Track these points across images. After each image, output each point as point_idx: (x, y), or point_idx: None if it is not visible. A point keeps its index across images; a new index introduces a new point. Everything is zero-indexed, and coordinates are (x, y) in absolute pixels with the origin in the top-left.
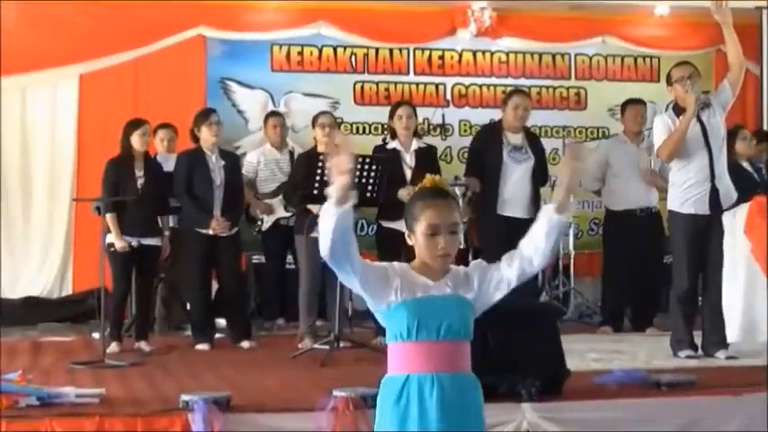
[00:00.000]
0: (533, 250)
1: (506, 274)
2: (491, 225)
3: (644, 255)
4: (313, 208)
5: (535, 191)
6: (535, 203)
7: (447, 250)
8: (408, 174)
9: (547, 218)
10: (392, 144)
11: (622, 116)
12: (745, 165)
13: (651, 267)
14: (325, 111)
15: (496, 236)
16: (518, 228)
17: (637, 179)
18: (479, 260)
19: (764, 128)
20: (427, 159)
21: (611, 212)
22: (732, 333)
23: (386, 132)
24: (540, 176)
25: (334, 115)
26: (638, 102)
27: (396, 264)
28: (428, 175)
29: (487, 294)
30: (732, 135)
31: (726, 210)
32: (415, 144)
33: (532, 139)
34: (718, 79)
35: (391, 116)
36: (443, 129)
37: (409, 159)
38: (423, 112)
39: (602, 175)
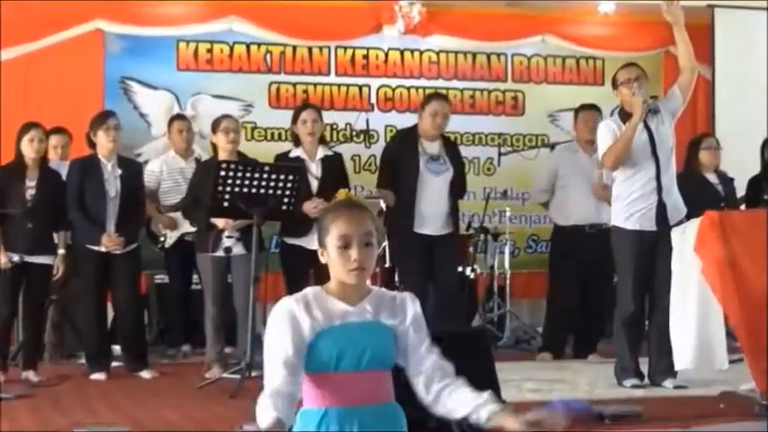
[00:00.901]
0: (439, 405)
1: (421, 378)
2: (406, 244)
3: (591, 275)
4: (218, 222)
5: (453, 205)
6: (453, 219)
7: (361, 263)
8: (314, 185)
9: (475, 411)
10: (296, 152)
11: (575, 123)
12: (711, 177)
13: (598, 289)
14: (228, 114)
15: (412, 256)
16: (435, 246)
17: (588, 192)
18: (419, 312)
19: (716, 136)
20: (335, 169)
21: (558, 228)
22: (681, 360)
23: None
24: (457, 189)
25: (237, 119)
26: (591, 108)
27: (301, 299)
28: (341, 191)
29: (404, 356)
30: (695, 144)
31: (674, 225)
32: (321, 152)
33: (450, 147)
34: (666, 83)
35: (294, 121)
36: (367, 135)
37: (315, 169)
38: (345, 117)
39: (550, 186)
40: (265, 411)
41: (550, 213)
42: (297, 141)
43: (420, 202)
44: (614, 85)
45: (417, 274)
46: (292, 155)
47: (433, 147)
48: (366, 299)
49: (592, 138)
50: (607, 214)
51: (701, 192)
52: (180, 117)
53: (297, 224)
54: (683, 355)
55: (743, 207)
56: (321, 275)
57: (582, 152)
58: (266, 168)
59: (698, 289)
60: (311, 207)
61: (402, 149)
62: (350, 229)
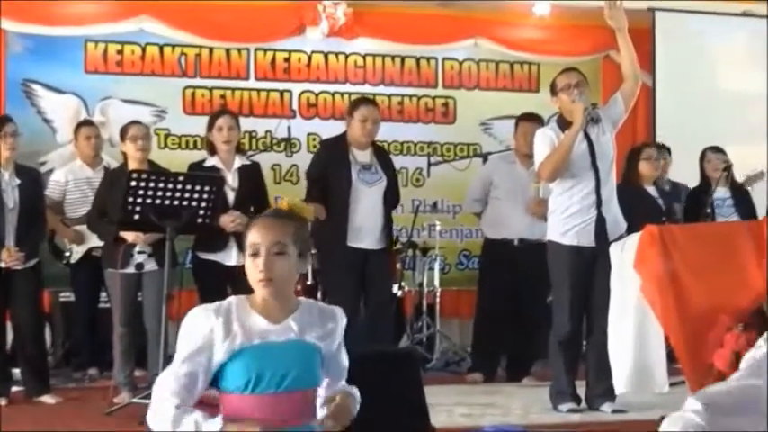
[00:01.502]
0: None
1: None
2: (339, 259)
3: (523, 292)
4: (127, 236)
5: (387, 217)
6: (387, 232)
7: (266, 273)
8: (231, 196)
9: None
10: (211, 161)
11: (515, 133)
12: (650, 189)
13: (531, 307)
14: (137, 121)
15: (345, 271)
16: (368, 261)
17: (521, 206)
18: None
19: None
20: (252, 180)
21: (489, 241)
22: (620, 383)
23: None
24: (391, 199)
25: (147, 126)
26: (533, 118)
27: (222, 312)
28: (284, 199)
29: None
30: (635, 155)
31: (613, 241)
32: (237, 161)
33: (382, 155)
34: (606, 90)
35: (210, 128)
36: (289, 143)
37: (231, 180)
38: (265, 124)
39: (484, 196)
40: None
41: (482, 225)
42: (212, 150)
43: (354, 214)
44: (553, 91)
45: (350, 292)
46: (207, 164)
47: (365, 155)
48: (292, 315)
49: (531, 152)
50: (540, 230)
51: (640, 205)
52: (87, 123)
53: (212, 238)
54: (622, 377)
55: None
56: (239, 293)
57: (519, 164)
58: (180, 178)
59: (637, 308)
60: (228, 220)
61: (331, 160)
62: (259, 238)
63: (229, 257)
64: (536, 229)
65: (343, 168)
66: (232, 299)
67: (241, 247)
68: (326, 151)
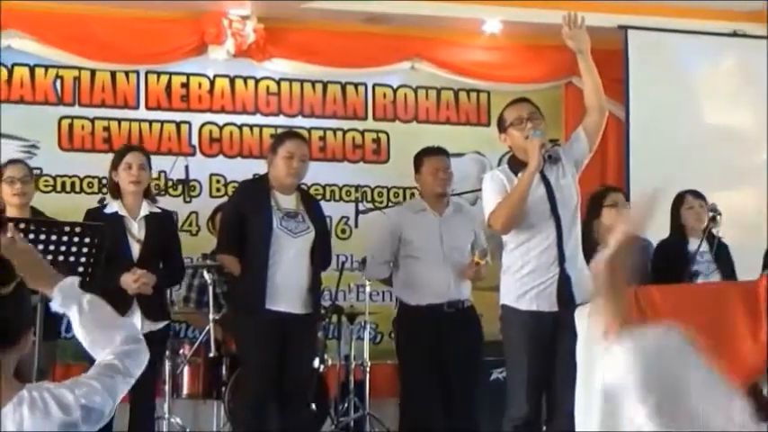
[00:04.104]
0: None
1: None
2: (256, 324)
3: (454, 365)
4: None
5: (315, 276)
6: (313, 295)
7: None
8: (135, 250)
9: None
10: (113, 207)
11: (417, 173)
12: None
13: (463, 382)
14: (16, 159)
15: (261, 340)
16: (288, 330)
17: (441, 262)
18: None
19: (630, 188)
20: (163, 231)
21: (407, 308)
22: None
23: (104, 190)
24: (321, 256)
25: (28, 165)
26: (438, 152)
27: None
28: None
29: None
30: (597, 200)
31: (579, 305)
32: (146, 208)
33: (310, 201)
34: (569, 122)
35: (115, 166)
36: (187, 186)
37: (137, 230)
38: (158, 163)
39: (392, 258)
40: None
41: (395, 290)
42: (115, 193)
43: (274, 269)
44: (501, 126)
45: (264, 364)
46: (108, 211)
47: (289, 201)
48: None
49: (442, 190)
50: (468, 289)
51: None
52: None
53: (111, 301)
54: None
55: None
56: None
57: (430, 211)
58: (57, 228)
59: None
60: (131, 280)
61: (248, 205)
62: None
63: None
64: (463, 288)
65: (262, 214)
66: None
67: (146, 312)
68: (243, 194)
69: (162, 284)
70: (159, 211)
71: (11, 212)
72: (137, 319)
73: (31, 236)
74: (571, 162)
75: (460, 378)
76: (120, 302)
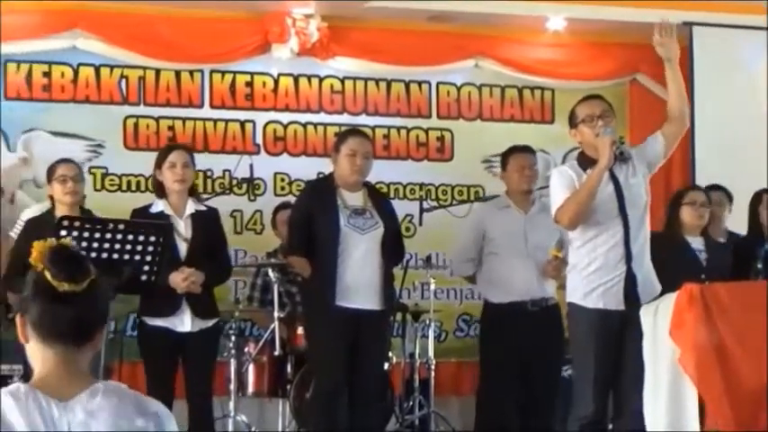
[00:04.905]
0: None
1: None
2: (328, 322)
3: (536, 364)
4: None
5: (386, 271)
6: (386, 291)
7: None
8: (183, 249)
9: None
10: (159, 206)
11: (504, 170)
12: (695, 240)
13: (544, 382)
14: (66, 159)
15: (337, 336)
16: (360, 327)
17: (526, 259)
18: None
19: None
20: (209, 229)
21: (490, 306)
22: None
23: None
24: (392, 250)
25: (78, 165)
26: (524, 150)
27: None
28: None
29: None
30: (677, 199)
31: (644, 303)
32: (191, 207)
33: (378, 197)
34: (634, 120)
35: (159, 165)
36: (251, 185)
37: (183, 228)
38: (223, 162)
39: (476, 254)
40: None
41: (479, 288)
42: (161, 192)
43: (344, 268)
44: (572, 122)
45: (337, 362)
46: (154, 210)
47: (356, 198)
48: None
49: (527, 188)
50: (552, 287)
51: (675, 259)
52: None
53: (161, 300)
54: None
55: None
56: (194, 364)
57: (515, 208)
58: (120, 227)
59: (673, 385)
60: (180, 279)
61: (315, 205)
62: None
63: (182, 323)
64: (547, 286)
65: (329, 213)
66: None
67: (195, 310)
68: (310, 194)
69: (210, 282)
70: (204, 208)
71: (62, 211)
72: (186, 317)
73: (97, 235)
74: (644, 163)
75: (542, 380)
76: (170, 301)
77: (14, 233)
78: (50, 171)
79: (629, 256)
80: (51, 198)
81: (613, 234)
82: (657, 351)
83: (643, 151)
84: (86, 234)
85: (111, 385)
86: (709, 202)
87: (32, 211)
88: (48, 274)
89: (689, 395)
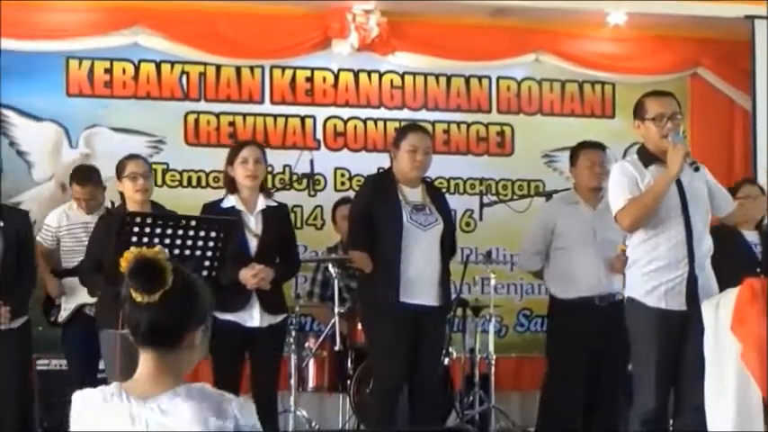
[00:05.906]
0: None
1: None
2: (391, 318)
3: (602, 361)
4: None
5: (445, 267)
6: (445, 287)
7: None
8: (253, 244)
9: None
10: (230, 201)
11: (573, 166)
12: (750, 234)
13: (610, 379)
14: (135, 155)
15: (399, 332)
16: (421, 323)
17: (593, 254)
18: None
19: (759, 178)
20: (280, 224)
21: (557, 302)
22: None
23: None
24: (449, 245)
25: (148, 161)
26: (595, 146)
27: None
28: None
29: None
30: (731, 193)
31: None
32: (262, 202)
33: (435, 193)
34: (695, 113)
35: (231, 161)
36: (312, 180)
37: (254, 224)
38: (283, 157)
39: (544, 249)
40: None
41: (547, 283)
42: (232, 187)
43: (406, 264)
44: (639, 115)
45: (400, 359)
46: (225, 205)
47: (416, 194)
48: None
49: (597, 184)
50: (620, 282)
51: (730, 252)
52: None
53: (231, 295)
54: None
55: None
56: (261, 359)
57: (583, 204)
58: (182, 222)
59: (735, 378)
60: (250, 275)
61: (377, 200)
62: None
63: (251, 318)
64: (614, 281)
65: (391, 209)
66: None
67: (265, 306)
68: (371, 189)
69: (279, 278)
70: (275, 204)
71: (133, 208)
72: (256, 312)
73: (158, 230)
74: (705, 185)
75: (609, 379)
76: (240, 297)
77: (41, 238)
78: (120, 168)
79: (691, 257)
80: (121, 194)
81: (675, 234)
82: (720, 346)
83: (714, 187)
84: (147, 230)
85: (194, 387)
86: (764, 195)
87: (55, 214)
88: (130, 284)
89: (753, 393)
